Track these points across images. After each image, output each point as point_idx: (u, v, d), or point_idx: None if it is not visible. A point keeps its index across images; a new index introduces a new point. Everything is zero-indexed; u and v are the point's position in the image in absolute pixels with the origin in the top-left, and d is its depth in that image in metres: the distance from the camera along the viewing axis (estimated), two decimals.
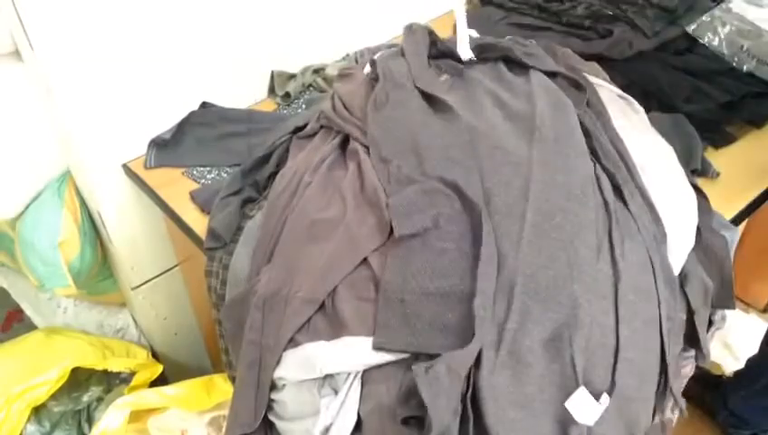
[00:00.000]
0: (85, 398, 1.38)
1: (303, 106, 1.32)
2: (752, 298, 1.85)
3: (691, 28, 1.26)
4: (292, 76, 1.36)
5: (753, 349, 1.67)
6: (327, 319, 0.76)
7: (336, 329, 0.75)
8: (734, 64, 1.22)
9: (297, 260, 0.82)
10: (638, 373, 0.75)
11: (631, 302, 0.77)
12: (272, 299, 0.80)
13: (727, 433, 1.57)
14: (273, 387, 0.77)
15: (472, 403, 0.68)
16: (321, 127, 1.02)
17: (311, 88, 1.37)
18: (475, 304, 0.71)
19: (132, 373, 1.39)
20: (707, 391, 1.58)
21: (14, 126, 1.15)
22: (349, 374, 0.73)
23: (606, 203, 0.83)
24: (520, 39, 1.12)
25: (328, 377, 0.74)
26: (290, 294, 0.79)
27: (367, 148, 0.92)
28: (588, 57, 1.13)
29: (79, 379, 1.37)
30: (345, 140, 0.97)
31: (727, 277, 0.93)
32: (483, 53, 1.07)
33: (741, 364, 1.64)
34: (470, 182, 0.82)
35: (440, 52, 1.07)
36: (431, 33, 1.08)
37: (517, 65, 1.04)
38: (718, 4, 1.31)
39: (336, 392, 0.73)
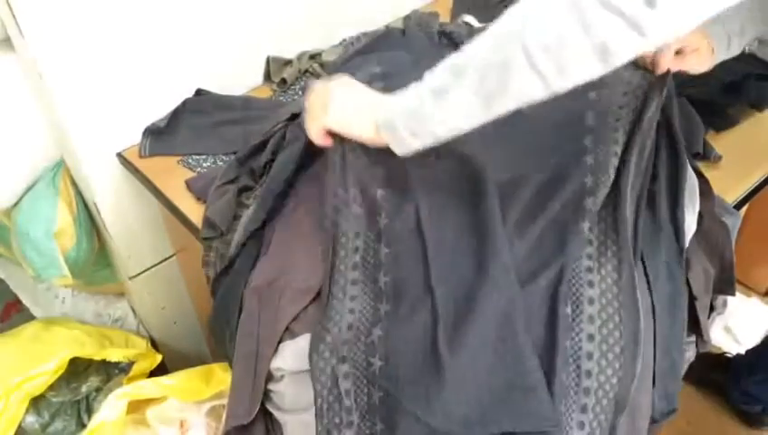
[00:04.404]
0: (84, 388, 1.38)
1: (300, 92, 1.30)
2: (753, 282, 1.84)
3: None
4: (289, 62, 1.34)
5: (754, 332, 1.67)
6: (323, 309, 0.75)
7: None
8: None
9: (292, 250, 0.81)
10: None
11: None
12: (267, 289, 0.79)
13: (740, 410, 1.58)
14: (272, 378, 0.77)
15: None
16: None
17: (307, 74, 1.35)
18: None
19: (131, 363, 1.39)
20: (715, 370, 1.58)
21: (6, 115, 1.13)
22: None
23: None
24: None
25: None
26: (285, 283, 0.78)
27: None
28: None
29: (78, 369, 1.37)
30: None
31: (728, 264, 0.92)
32: None
33: (741, 348, 1.63)
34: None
35: (443, 34, 1.06)
36: (435, 17, 1.07)
37: None
38: None
39: None
